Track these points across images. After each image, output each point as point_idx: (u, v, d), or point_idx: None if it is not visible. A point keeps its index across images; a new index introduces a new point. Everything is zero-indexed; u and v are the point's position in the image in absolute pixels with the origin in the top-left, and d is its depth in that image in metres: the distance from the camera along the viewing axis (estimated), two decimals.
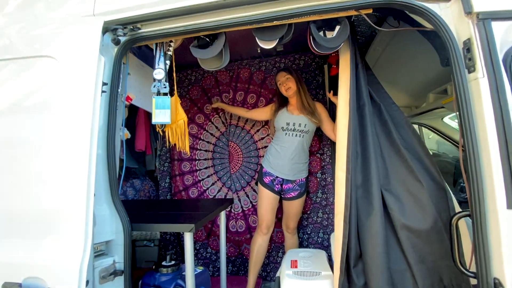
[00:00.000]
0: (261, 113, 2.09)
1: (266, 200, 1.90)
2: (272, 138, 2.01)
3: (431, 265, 1.08)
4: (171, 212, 1.59)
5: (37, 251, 1.00)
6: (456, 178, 2.36)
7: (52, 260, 0.97)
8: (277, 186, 1.90)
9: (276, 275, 1.41)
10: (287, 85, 1.87)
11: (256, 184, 2.05)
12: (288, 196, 1.91)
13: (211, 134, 2.44)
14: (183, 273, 1.28)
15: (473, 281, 0.98)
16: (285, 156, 1.86)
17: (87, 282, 0.95)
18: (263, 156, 2.32)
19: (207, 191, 2.43)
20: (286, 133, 1.87)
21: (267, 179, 1.90)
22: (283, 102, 1.98)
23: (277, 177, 1.89)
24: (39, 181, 1.06)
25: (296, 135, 1.86)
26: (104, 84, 1.10)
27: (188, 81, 2.50)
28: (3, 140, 1.13)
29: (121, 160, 1.33)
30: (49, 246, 0.99)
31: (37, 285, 0.96)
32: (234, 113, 2.27)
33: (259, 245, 1.88)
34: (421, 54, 1.70)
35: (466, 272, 0.92)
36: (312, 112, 1.84)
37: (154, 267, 1.34)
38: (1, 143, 1.13)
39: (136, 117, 2.32)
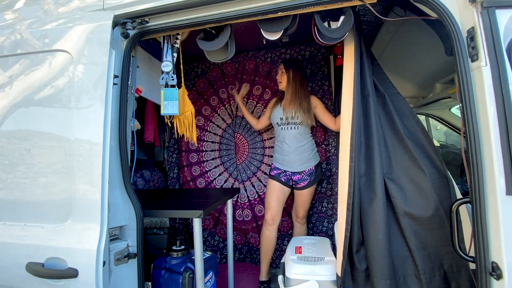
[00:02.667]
0: (266, 119, 2.12)
1: (272, 189, 1.95)
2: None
3: (432, 251, 1.11)
4: (180, 200, 1.65)
5: (57, 234, 1.07)
6: (463, 168, 2.36)
7: (71, 243, 1.04)
8: (283, 177, 1.95)
9: (281, 261, 1.47)
10: (279, 79, 1.94)
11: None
12: (299, 186, 1.96)
13: (218, 126, 2.49)
14: (193, 257, 1.35)
15: (472, 266, 1.00)
16: (288, 149, 1.91)
17: (104, 263, 1.02)
18: (269, 147, 2.37)
19: (214, 181, 2.49)
20: (281, 128, 1.94)
21: (273, 172, 1.99)
22: (283, 95, 2.02)
23: (285, 171, 1.94)
24: (57, 170, 1.13)
25: (290, 127, 1.91)
26: (115, 76, 1.14)
27: (194, 74, 2.53)
28: (21, 132, 1.19)
29: (131, 152, 1.39)
30: (68, 230, 1.06)
31: (58, 265, 1.03)
32: (247, 117, 2.23)
33: (266, 237, 1.92)
34: (428, 43, 1.68)
35: (465, 256, 0.95)
36: (302, 106, 1.87)
37: (165, 251, 1.41)
38: (19, 136, 1.19)
39: (145, 109, 2.37)
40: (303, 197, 1.98)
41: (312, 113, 1.91)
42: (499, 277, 0.79)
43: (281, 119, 1.94)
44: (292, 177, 1.95)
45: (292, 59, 2.00)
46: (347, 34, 1.25)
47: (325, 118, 1.92)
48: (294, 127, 1.91)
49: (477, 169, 0.85)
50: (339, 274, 1.16)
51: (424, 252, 1.10)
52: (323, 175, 2.20)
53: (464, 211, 1.08)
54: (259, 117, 2.26)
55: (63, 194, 1.10)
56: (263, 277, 1.97)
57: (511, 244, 0.78)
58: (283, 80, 1.92)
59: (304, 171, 1.93)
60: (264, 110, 2.28)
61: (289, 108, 1.92)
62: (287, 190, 1.98)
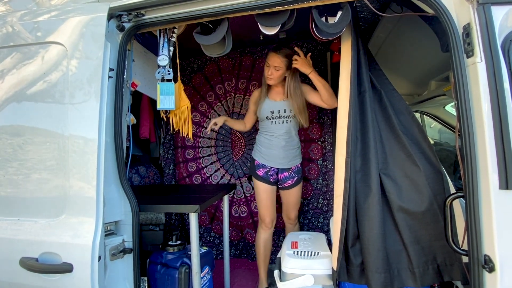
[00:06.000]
0: (252, 115, 1.94)
1: (264, 194, 1.81)
2: (259, 128, 1.90)
3: (426, 245, 1.12)
4: (176, 195, 1.64)
5: (52, 229, 1.06)
6: (456, 166, 2.39)
7: (66, 237, 1.03)
8: (272, 177, 1.82)
9: (277, 256, 1.47)
10: (272, 74, 1.71)
11: (249, 178, 1.93)
12: (286, 185, 1.83)
13: None
14: (189, 252, 1.35)
15: (465, 259, 1.02)
16: (276, 144, 1.78)
17: (99, 257, 1.01)
18: None
19: (210, 178, 2.48)
20: (272, 122, 1.78)
21: (260, 172, 1.81)
22: (268, 86, 1.83)
23: (271, 167, 1.81)
24: (51, 166, 1.11)
25: (282, 121, 1.77)
26: (110, 70, 1.13)
27: (190, 69, 2.51)
28: (13, 128, 1.17)
29: (127, 148, 1.37)
30: (63, 225, 1.05)
31: (53, 260, 1.02)
32: (235, 128, 2.06)
33: (265, 240, 1.83)
34: (423, 41, 1.69)
35: (458, 250, 0.96)
36: (295, 99, 1.72)
37: (161, 246, 1.41)
38: (11, 131, 1.17)
39: (140, 105, 2.35)
40: (293, 197, 1.86)
41: (306, 109, 1.77)
42: (491, 269, 0.81)
43: (272, 112, 1.77)
44: (279, 175, 1.83)
45: (281, 46, 1.73)
46: (344, 31, 1.25)
47: (314, 95, 1.73)
48: (287, 120, 1.78)
49: (471, 164, 0.86)
50: (335, 268, 1.17)
51: (418, 246, 1.12)
52: (320, 172, 2.21)
53: (458, 206, 1.10)
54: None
55: (57, 190, 1.09)
56: (264, 283, 1.87)
57: (503, 237, 0.80)
58: (275, 77, 1.71)
59: (291, 168, 1.82)
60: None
61: (280, 99, 1.76)
62: (275, 190, 1.87)
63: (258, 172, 1.81)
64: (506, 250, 0.80)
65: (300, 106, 1.73)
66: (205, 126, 2.48)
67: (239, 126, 2.00)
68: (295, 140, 1.85)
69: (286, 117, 1.78)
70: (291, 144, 1.81)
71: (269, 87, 1.83)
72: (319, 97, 1.69)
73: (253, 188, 2.38)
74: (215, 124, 1.80)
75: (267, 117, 1.79)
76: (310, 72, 1.61)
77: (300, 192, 1.90)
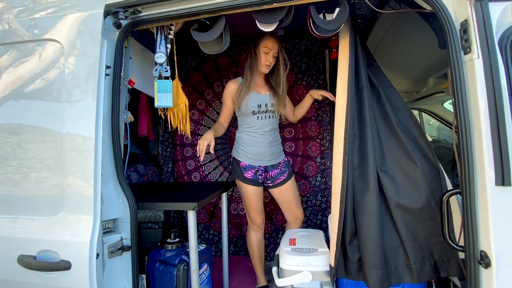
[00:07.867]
0: (229, 112, 1.73)
1: (255, 196, 1.71)
2: (238, 125, 1.77)
3: (423, 241, 1.13)
4: (175, 193, 1.64)
5: (50, 226, 1.06)
6: (454, 163, 2.39)
7: (64, 235, 1.03)
8: (260, 176, 1.71)
9: (275, 253, 1.48)
10: (271, 61, 1.62)
11: (231, 182, 1.83)
12: (279, 181, 1.73)
13: (213, 119, 2.47)
14: (187, 250, 1.35)
15: (462, 255, 1.03)
16: (263, 141, 1.67)
17: (97, 255, 1.01)
18: None
19: (209, 176, 2.48)
20: (258, 117, 1.65)
21: (249, 174, 1.68)
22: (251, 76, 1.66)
23: (259, 167, 1.70)
24: (48, 164, 1.11)
25: (268, 116, 1.67)
26: (107, 67, 1.12)
27: (188, 67, 2.50)
28: (10, 126, 1.16)
29: (125, 146, 1.36)
30: (61, 222, 1.05)
31: (50, 257, 1.02)
32: (219, 135, 1.69)
33: (259, 241, 1.81)
34: (421, 38, 1.69)
35: (455, 246, 0.97)
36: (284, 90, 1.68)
37: (159, 244, 1.41)
38: (8, 130, 1.16)
39: (138, 103, 2.34)
40: (291, 191, 1.76)
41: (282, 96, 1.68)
42: (487, 265, 0.82)
43: (259, 106, 1.64)
44: (269, 173, 1.73)
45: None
46: (342, 27, 1.24)
47: (289, 106, 1.80)
48: (272, 115, 1.68)
49: (467, 160, 0.87)
50: (332, 265, 1.17)
51: (415, 243, 1.12)
52: (318, 170, 2.21)
53: (455, 202, 1.10)
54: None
55: (55, 188, 1.09)
56: (263, 282, 1.87)
57: (499, 233, 0.80)
58: (271, 64, 1.63)
59: (280, 162, 1.75)
60: None
61: (265, 92, 1.66)
62: (262, 189, 1.79)
63: (246, 175, 1.68)
64: (502, 246, 0.80)
65: (283, 100, 1.68)
66: (203, 124, 2.48)
67: (222, 131, 1.70)
68: (278, 134, 1.79)
69: (272, 112, 1.68)
70: (276, 139, 1.75)
71: (246, 79, 1.66)
72: (292, 111, 1.84)
73: None
74: (208, 146, 1.45)
75: (253, 111, 1.65)
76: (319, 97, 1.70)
77: (296, 185, 1.81)
